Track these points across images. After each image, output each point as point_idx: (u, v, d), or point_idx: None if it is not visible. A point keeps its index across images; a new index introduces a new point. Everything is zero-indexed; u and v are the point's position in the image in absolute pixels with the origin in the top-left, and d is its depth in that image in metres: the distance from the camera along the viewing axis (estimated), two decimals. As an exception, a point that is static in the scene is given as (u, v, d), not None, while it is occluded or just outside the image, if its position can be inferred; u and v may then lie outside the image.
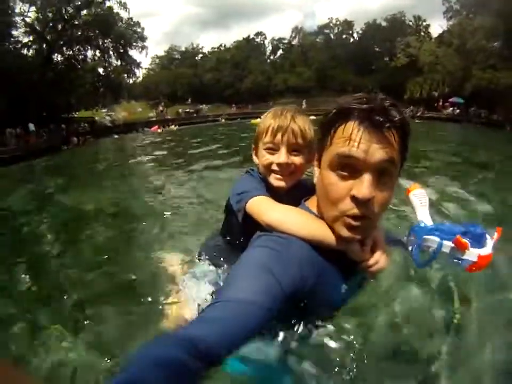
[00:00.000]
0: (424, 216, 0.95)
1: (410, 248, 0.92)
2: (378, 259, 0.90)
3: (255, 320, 0.65)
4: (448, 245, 0.82)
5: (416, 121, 26.56)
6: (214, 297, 1.17)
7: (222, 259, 1.48)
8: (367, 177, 0.74)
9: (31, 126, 19.82)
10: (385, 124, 0.72)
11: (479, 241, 0.82)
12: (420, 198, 1.00)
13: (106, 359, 1.42)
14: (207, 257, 1.57)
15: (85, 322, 1.82)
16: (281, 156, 1.16)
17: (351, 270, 0.92)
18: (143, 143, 16.73)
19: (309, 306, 0.85)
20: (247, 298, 0.67)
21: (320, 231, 0.87)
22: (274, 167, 1.18)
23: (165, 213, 3.73)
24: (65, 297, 2.19)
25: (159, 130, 26.48)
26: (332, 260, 0.88)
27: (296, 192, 1.16)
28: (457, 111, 29.83)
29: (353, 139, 0.73)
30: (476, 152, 9.65)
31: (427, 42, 40.36)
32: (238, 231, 1.30)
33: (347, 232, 0.79)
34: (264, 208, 1.01)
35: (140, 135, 23.51)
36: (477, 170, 6.58)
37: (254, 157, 1.30)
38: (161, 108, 42.33)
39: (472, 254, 0.80)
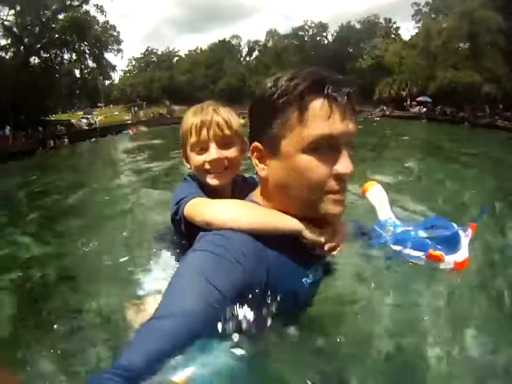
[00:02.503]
0: (386, 215, 0.92)
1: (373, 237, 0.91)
2: (335, 237, 0.83)
3: (187, 334, 0.61)
4: (422, 257, 0.79)
5: (376, 119, 29.19)
6: None
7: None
8: (345, 153, 0.71)
9: (7, 131, 19.90)
10: (352, 94, 0.69)
11: (452, 243, 0.78)
12: (378, 198, 0.96)
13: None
14: (164, 247, 1.38)
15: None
16: (212, 153, 1.09)
17: (309, 258, 0.85)
18: (114, 146, 17.95)
19: (271, 303, 0.75)
20: (180, 313, 0.62)
21: (270, 218, 0.79)
22: (207, 166, 1.10)
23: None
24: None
25: (131, 133, 28.06)
26: (285, 252, 0.79)
27: (244, 189, 1.09)
28: (424, 109, 31.46)
29: (334, 117, 0.67)
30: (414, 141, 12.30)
31: (393, 44, 42.23)
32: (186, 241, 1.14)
33: (336, 208, 0.74)
34: (200, 208, 0.92)
35: (114, 139, 24.35)
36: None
37: (185, 162, 1.20)
38: (134, 110, 42.69)
39: (448, 263, 0.76)
